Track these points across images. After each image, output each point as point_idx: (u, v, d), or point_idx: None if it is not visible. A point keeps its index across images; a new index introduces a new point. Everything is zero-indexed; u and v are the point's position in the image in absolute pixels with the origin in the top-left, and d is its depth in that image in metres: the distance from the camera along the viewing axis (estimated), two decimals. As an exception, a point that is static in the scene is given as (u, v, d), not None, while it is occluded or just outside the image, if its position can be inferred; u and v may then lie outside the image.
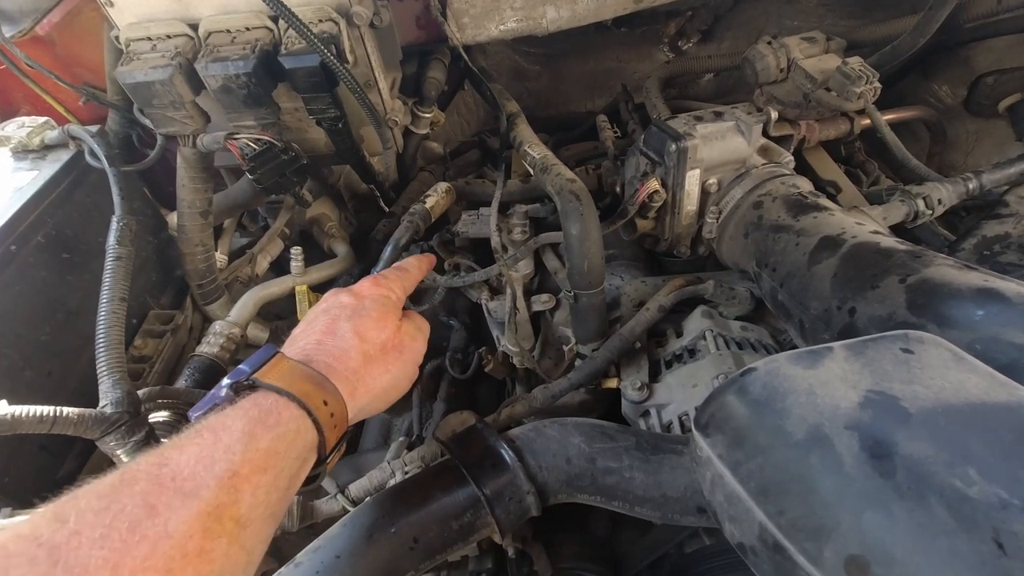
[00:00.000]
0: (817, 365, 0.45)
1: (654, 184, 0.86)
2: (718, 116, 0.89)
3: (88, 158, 0.91)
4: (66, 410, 0.65)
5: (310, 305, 0.94)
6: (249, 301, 0.96)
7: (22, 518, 0.65)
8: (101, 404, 0.69)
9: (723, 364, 0.74)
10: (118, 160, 0.89)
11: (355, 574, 0.57)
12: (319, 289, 1.01)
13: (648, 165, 0.89)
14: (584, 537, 0.81)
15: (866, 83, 0.90)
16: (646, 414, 0.77)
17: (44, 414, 0.63)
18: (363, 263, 1.07)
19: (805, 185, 0.85)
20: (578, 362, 0.88)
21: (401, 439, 0.86)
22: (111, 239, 0.83)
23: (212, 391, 0.51)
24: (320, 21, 0.79)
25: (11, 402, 0.62)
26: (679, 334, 0.85)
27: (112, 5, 0.80)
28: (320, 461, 0.51)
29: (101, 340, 0.74)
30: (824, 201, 0.80)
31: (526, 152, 0.95)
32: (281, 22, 0.79)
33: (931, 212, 0.91)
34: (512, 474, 0.62)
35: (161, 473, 0.40)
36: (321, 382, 0.52)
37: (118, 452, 0.70)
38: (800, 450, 0.40)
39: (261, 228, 1.24)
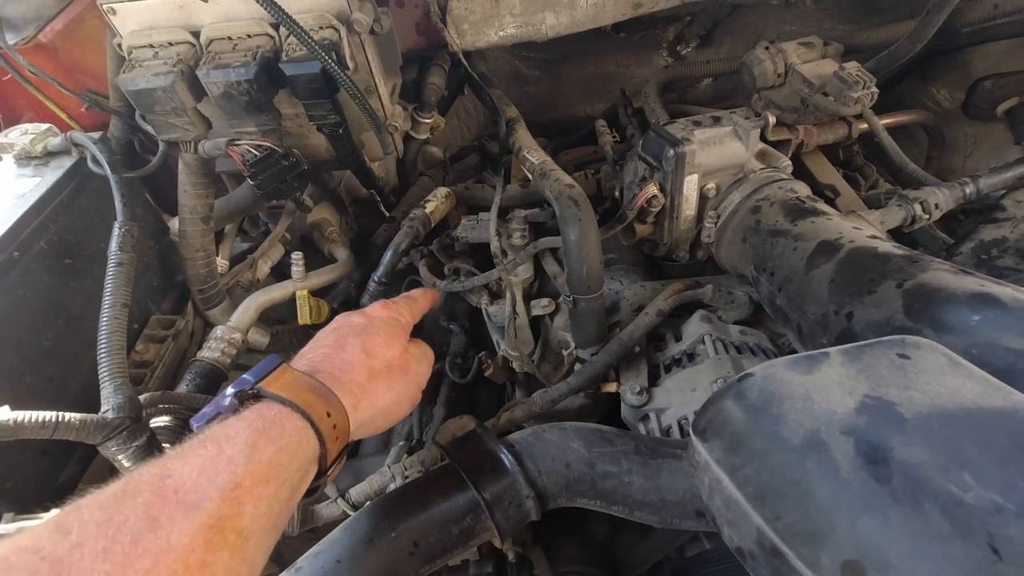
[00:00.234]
0: (813, 370, 0.45)
1: (652, 189, 0.86)
2: (716, 121, 0.90)
3: (90, 164, 0.91)
4: (68, 415, 0.65)
5: (311, 310, 0.94)
6: (250, 306, 0.96)
7: (25, 524, 0.66)
8: (103, 409, 0.70)
9: (722, 368, 0.74)
10: (120, 166, 0.90)
11: (355, 579, 0.57)
12: (320, 294, 1.02)
13: (646, 170, 0.90)
14: (584, 541, 0.81)
15: (863, 88, 0.90)
16: (645, 418, 0.77)
17: (46, 419, 0.63)
18: (364, 268, 1.08)
19: (803, 190, 0.86)
20: (577, 366, 0.88)
21: (401, 443, 0.86)
22: (113, 245, 0.84)
23: (216, 399, 0.51)
24: (321, 28, 0.79)
25: (13, 407, 0.63)
26: (678, 338, 0.85)
27: (115, 13, 0.81)
28: (321, 473, 0.51)
29: (103, 345, 0.75)
30: (822, 206, 0.80)
31: (525, 157, 0.95)
32: (282, 29, 0.80)
33: (928, 216, 0.91)
34: (512, 478, 0.63)
35: (164, 484, 0.40)
36: (325, 394, 0.53)
37: (120, 457, 0.70)
38: (796, 455, 0.40)
39: (262, 233, 1.24)
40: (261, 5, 0.68)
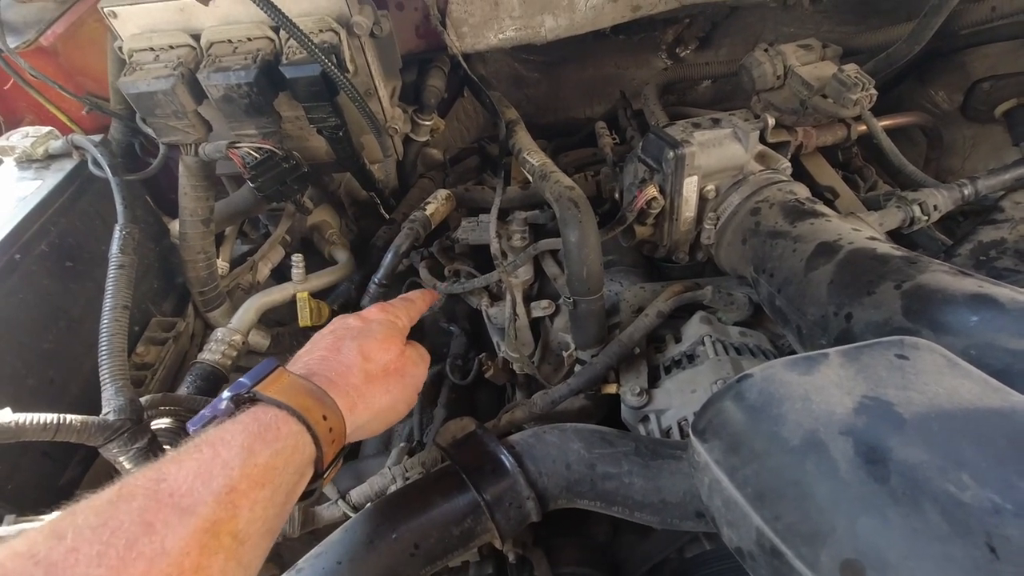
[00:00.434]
0: (812, 371, 0.45)
1: (652, 191, 0.87)
2: (715, 123, 0.90)
3: (91, 167, 0.91)
4: (69, 417, 0.65)
5: (311, 312, 0.95)
6: (250, 308, 0.97)
7: (25, 527, 0.66)
8: (104, 411, 0.70)
9: (722, 369, 0.74)
10: (121, 169, 0.90)
11: (356, 580, 0.57)
12: (320, 295, 1.02)
13: (646, 172, 0.90)
14: (584, 542, 0.81)
15: (862, 90, 0.90)
16: (645, 419, 0.77)
17: (47, 421, 0.63)
18: (364, 270, 1.08)
19: (802, 191, 0.86)
20: (578, 368, 0.88)
21: (402, 445, 0.87)
22: (114, 247, 0.84)
23: (212, 402, 0.51)
24: (321, 31, 0.80)
25: (14, 409, 0.63)
26: (678, 340, 0.85)
27: (116, 16, 0.81)
28: (317, 476, 0.51)
29: (104, 348, 0.75)
30: (821, 207, 0.81)
31: (525, 159, 0.96)
32: (282, 32, 0.80)
33: (927, 218, 0.92)
34: (512, 480, 0.63)
35: (159, 489, 0.40)
36: (321, 397, 0.53)
37: (120, 459, 0.70)
38: (796, 456, 0.41)
39: (262, 235, 1.25)
40: (261, 8, 0.69)
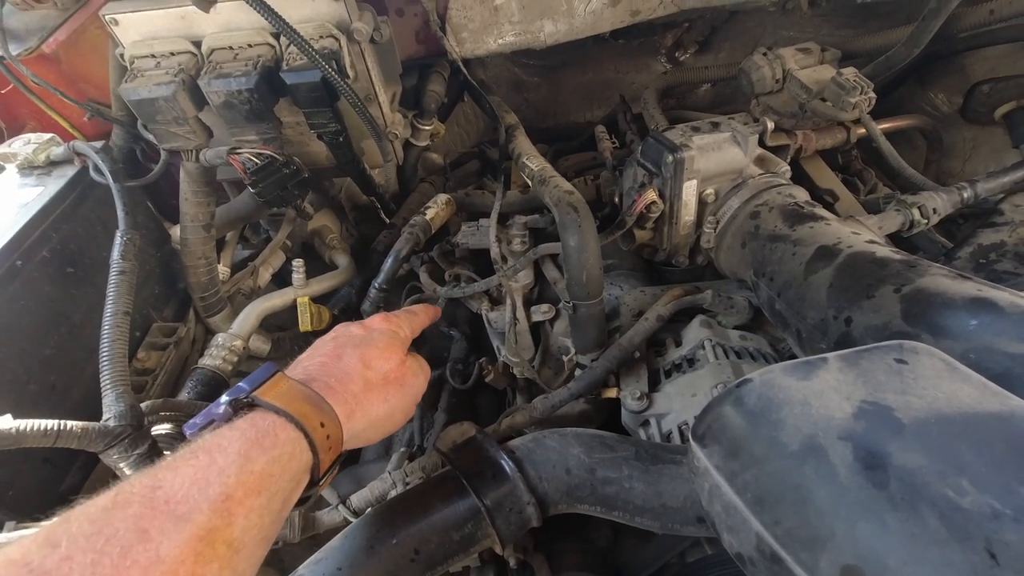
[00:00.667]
0: (811, 376, 0.45)
1: (651, 195, 0.87)
2: (715, 127, 0.90)
3: (92, 174, 0.92)
4: (70, 424, 0.65)
5: (312, 317, 0.95)
6: (251, 313, 0.97)
7: (25, 534, 0.66)
8: (104, 417, 0.70)
9: (722, 373, 0.74)
10: (122, 175, 0.90)
11: (356, 586, 0.57)
12: (321, 300, 1.02)
13: (645, 176, 0.90)
14: (586, 547, 0.81)
15: (861, 93, 0.91)
16: (646, 424, 0.77)
17: (48, 428, 0.63)
18: (364, 274, 1.08)
19: (801, 195, 0.86)
20: (578, 372, 0.88)
21: (402, 450, 0.87)
22: (115, 253, 0.84)
23: (210, 407, 0.50)
24: (321, 37, 0.80)
25: (15, 415, 0.63)
26: (678, 343, 0.85)
27: (117, 23, 0.82)
28: (313, 483, 0.51)
29: (104, 354, 0.75)
30: (820, 211, 0.81)
31: (524, 164, 0.96)
32: (283, 38, 0.80)
33: (926, 221, 0.92)
34: (512, 485, 0.63)
35: (155, 496, 0.40)
36: (319, 403, 0.52)
37: (121, 465, 0.71)
38: (795, 461, 0.41)
39: (263, 240, 1.25)
40: (262, 15, 0.69)
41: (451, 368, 1.10)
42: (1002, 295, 0.53)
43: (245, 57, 0.80)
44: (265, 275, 1.13)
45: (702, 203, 0.89)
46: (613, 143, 1.16)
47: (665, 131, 0.89)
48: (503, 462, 0.64)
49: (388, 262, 0.98)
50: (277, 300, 1.00)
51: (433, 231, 1.04)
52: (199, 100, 0.80)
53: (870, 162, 1.23)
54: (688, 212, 0.89)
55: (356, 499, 0.77)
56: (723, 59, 1.43)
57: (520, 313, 0.96)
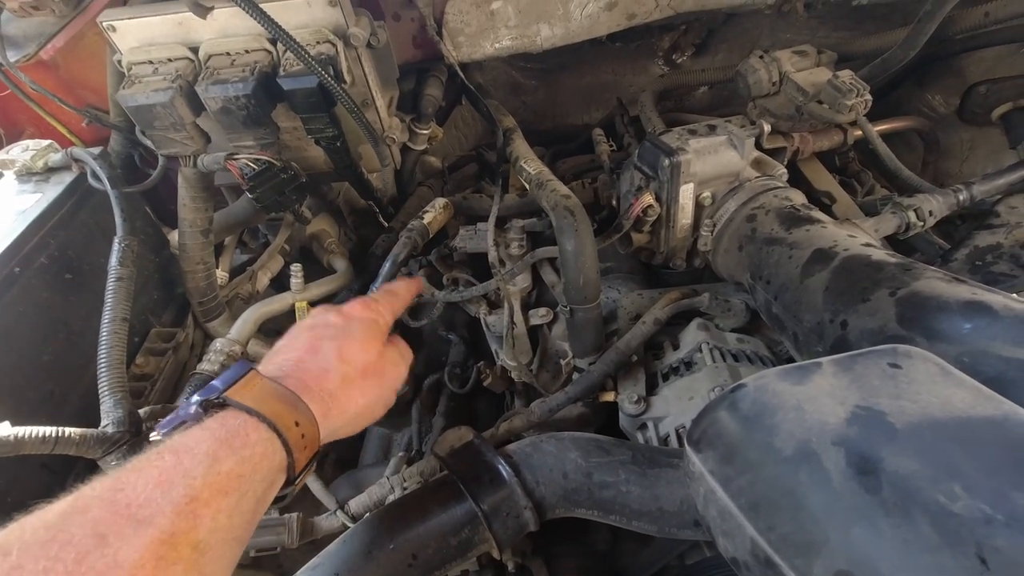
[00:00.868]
0: (805, 381, 0.46)
1: (648, 199, 0.87)
2: (711, 130, 0.90)
3: (90, 180, 0.92)
4: (68, 430, 0.65)
5: (309, 321, 0.95)
6: (250, 318, 0.97)
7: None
8: (103, 424, 0.70)
9: (719, 376, 0.74)
10: (120, 182, 0.91)
11: (354, 591, 0.57)
12: (319, 304, 1.02)
13: (642, 180, 0.90)
14: (584, 550, 0.81)
15: (857, 95, 0.91)
16: (643, 427, 0.77)
17: (46, 435, 0.63)
18: (362, 278, 1.08)
19: (798, 198, 0.86)
20: (576, 376, 0.88)
21: (400, 454, 0.87)
22: (113, 260, 0.84)
23: (181, 407, 0.49)
24: (318, 43, 0.80)
25: (14, 422, 0.63)
26: (676, 347, 0.85)
27: (115, 30, 0.82)
28: (289, 482, 0.50)
29: (103, 360, 0.75)
30: (816, 213, 0.81)
31: (522, 168, 0.96)
32: (279, 44, 0.81)
33: (922, 224, 0.92)
34: (509, 489, 0.63)
35: (116, 499, 0.39)
36: (294, 402, 0.51)
37: (120, 471, 0.71)
38: (789, 466, 0.41)
39: (261, 245, 1.25)
40: (258, 21, 0.69)
41: (449, 372, 1.10)
42: (996, 298, 0.54)
43: (242, 63, 0.80)
44: (263, 280, 1.13)
45: (699, 206, 0.89)
46: (610, 146, 1.17)
47: (662, 134, 0.89)
48: (500, 467, 0.64)
49: (386, 266, 0.98)
50: (275, 305, 1.00)
51: (431, 235, 1.04)
52: (196, 106, 0.80)
53: (867, 164, 1.23)
54: (685, 215, 0.89)
55: (354, 504, 0.77)
56: (720, 62, 1.43)
57: (518, 317, 0.96)
